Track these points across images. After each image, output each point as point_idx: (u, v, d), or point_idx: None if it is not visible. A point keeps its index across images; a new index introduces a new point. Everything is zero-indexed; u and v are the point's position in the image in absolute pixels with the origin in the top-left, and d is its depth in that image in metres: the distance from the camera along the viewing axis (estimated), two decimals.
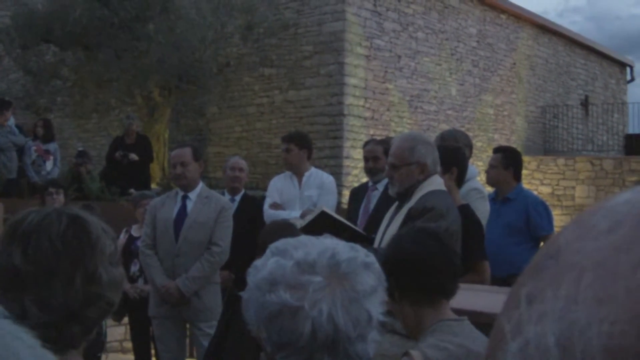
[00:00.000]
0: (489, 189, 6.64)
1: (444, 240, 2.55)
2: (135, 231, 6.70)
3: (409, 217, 3.82)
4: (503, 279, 5.03)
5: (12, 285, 1.55)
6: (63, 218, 1.63)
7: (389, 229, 4.00)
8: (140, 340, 6.75)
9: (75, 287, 1.57)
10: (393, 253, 2.50)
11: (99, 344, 6.35)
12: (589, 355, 0.40)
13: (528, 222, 5.73)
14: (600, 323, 0.41)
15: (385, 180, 5.54)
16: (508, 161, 5.86)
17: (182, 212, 5.63)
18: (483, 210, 5.15)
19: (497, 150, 6.18)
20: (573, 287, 0.43)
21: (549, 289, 0.45)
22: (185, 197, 5.67)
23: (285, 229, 3.86)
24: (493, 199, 5.90)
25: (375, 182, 5.77)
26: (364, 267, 1.57)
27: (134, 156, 11.03)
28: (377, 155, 5.76)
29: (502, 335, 0.46)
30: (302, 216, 5.87)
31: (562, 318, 0.42)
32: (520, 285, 0.48)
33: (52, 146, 10.95)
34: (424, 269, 2.44)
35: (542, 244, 5.75)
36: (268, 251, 1.62)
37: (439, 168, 4.12)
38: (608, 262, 0.43)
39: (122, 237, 6.68)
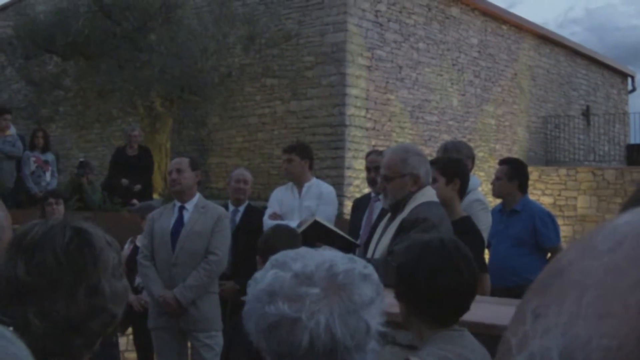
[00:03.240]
0: (491, 200, 6.65)
1: (466, 265, 2.47)
2: (140, 242, 6.71)
3: (401, 229, 3.83)
4: (510, 290, 5.04)
5: (15, 297, 1.55)
6: (67, 231, 1.64)
7: (382, 240, 4.02)
8: (144, 351, 6.76)
9: (78, 299, 1.58)
10: (411, 269, 2.44)
11: (113, 355, 6.36)
12: None
13: (535, 233, 5.74)
14: (600, 337, 0.43)
15: None
16: (513, 173, 5.87)
17: (179, 223, 5.68)
18: (485, 222, 5.17)
19: (502, 162, 6.15)
20: (576, 304, 0.45)
21: (554, 305, 0.47)
22: (182, 208, 5.73)
23: (292, 237, 3.90)
24: (500, 210, 5.91)
25: (378, 193, 5.78)
26: (362, 278, 1.58)
27: (138, 187, 11.12)
28: (379, 165, 5.78)
29: (508, 349, 0.49)
30: (299, 226, 5.91)
31: (565, 333, 0.45)
32: (527, 302, 0.50)
33: (49, 156, 10.97)
34: (437, 300, 2.40)
35: (549, 255, 5.77)
36: (268, 263, 1.64)
37: (430, 179, 4.14)
38: (608, 280, 0.45)
39: (127, 248, 6.70)
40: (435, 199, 4.03)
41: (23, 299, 1.55)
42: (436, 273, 2.41)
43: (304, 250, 1.66)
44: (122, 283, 1.69)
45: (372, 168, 5.90)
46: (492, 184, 6.06)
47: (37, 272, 1.56)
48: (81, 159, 12.20)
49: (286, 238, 3.79)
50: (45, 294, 1.55)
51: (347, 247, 4.52)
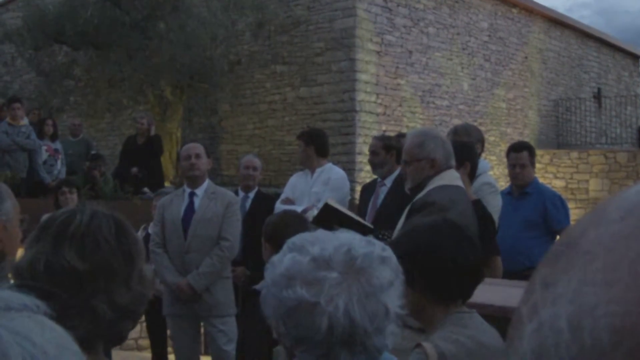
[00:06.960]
0: (502, 184, 6.60)
1: (475, 245, 2.47)
2: (152, 229, 6.72)
3: (411, 211, 3.85)
4: (520, 273, 5.03)
5: (74, 286, 1.55)
6: (109, 219, 1.66)
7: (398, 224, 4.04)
8: (157, 338, 6.79)
9: (132, 286, 1.61)
10: (421, 246, 2.42)
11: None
12: (597, 334, 0.43)
13: (545, 216, 5.71)
14: (607, 304, 0.43)
15: (393, 176, 5.68)
16: (533, 157, 5.87)
17: (190, 209, 5.67)
18: (495, 205, 5.15)
19: (519, 148, 5.95)
20: (584, 271, 0.46)
21: (563, 274, 0.47)
22: (192, 194, 5.71)
23: (301, 223, 3.90)
24: (509, 193, 5.86)
25: (383, 178, 5.85)
26: (380, 261, 1.58)
27: (134, 169, 11.19)
28: (374, 150, 5.92)
29: (519, 318, 0.49)
30: (303, 212, 5.91)
31: (573, 300, 0.45)
32: (538, 272, 0.51)
33: (58, 145, 11.02)
34: (448, 274, 2.38)
35: (558, 237, 5.74)
36: (285, 247, 1.64)
37: (452, 162, 4.13)
38: (617, 248, 0.45)
39: (140, 235, 6.69)
40: (455, 182, 4.03)
41: (83, 288, 1.55)
42: (449, 249, 2.40)
43: (320, 233, 1.65)
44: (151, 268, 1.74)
45: (370, 152, 6.11)
46: (516, 172, 5.84)
47: (92, 259, 1.57)
48: (93, 152, 12.17)
49: (296, 224, 3.78)
50: (105, 282, 1.57)
51: (360, 231, 4.50)
